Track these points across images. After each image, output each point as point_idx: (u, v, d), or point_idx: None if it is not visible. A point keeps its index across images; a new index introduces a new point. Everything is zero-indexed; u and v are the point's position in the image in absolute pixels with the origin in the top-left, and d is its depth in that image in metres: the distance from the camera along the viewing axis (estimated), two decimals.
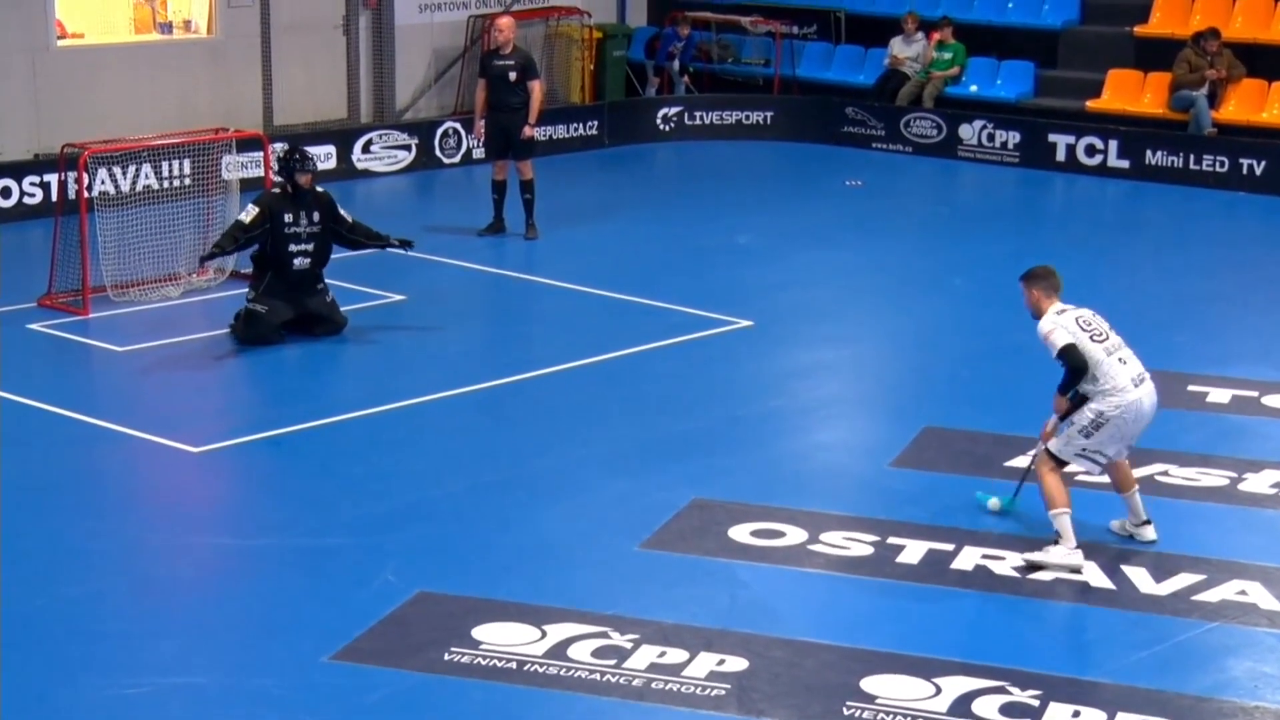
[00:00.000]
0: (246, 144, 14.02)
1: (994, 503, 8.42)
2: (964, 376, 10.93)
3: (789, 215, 15.72)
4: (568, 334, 11.74)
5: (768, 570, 7.78)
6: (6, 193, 14.66)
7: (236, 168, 13.19)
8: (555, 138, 18.56)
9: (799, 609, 7.43)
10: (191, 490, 8.89)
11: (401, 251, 11.66)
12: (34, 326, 11.46)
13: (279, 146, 11.18)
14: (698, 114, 19.57)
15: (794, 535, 8.13)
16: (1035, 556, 7.71)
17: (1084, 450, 7.73)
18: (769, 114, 19.59)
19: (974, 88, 19.08)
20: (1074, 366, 7.59)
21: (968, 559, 7.88)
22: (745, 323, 11.88)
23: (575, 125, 18.91)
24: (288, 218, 11.08)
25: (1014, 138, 18.15)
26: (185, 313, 11.90)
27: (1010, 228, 15.66)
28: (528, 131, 14.20)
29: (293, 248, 11.13)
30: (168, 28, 18.13)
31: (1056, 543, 7.71)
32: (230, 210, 12.68)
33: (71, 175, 12.56)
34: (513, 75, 14.13)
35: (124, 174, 14.48)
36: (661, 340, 11.51)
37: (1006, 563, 7.83)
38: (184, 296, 12.29)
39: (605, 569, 7.76)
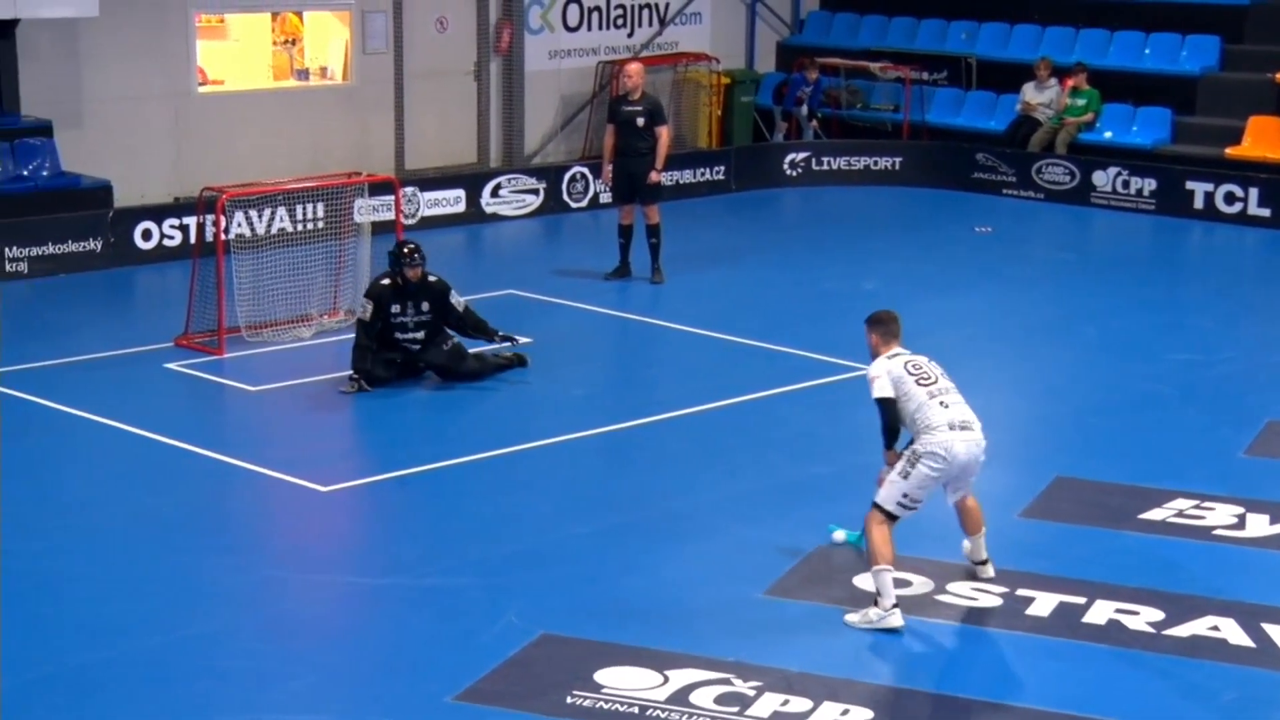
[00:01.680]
0: (379, 188, 14.25)
1: (838, 535, 8.54)
2: (1095, 426, 10.72)
3: (916, 261, 15.58)
4: (692, 378, 11.73)
5: None
6: (147, 235, 15.05)
7: (368, 211, 13.41)
8: (682, 182, 18.63)
9: (925, 660, 7.30)
10: (320, 529, 9.00)
11: (507, 346, 11.56)
12: (171, 366, 11.73)
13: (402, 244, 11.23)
14: (825, 159, 19.52)
15: (921, 584, 8.01)
16: (852, 617, 7.62)
17: (904, 498, 7.73)
18: (897, 160, 19.48)
19: (1109, 134, 18.80)
20: (885, 417, 7.80)
21: (1100, 613, 7.71)
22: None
23: (702, 170, 18.97)
24: (395, 308, 11.18)
25: (1150, 185, 17.84)
26: (316, 354, 12.10)
27: (1145, 276, 15.37)
28: (654, 176, 14.27)
29: (399, 335, 11.27)
30: (305, 74, 18.55)
31: (876, 603, 7.59)
32: (362, 253, 12.90)
33: (209, 218, 12.86)
34: (641, 120, 14.21)
35: (260, 217, 14.79)
36: (787, 385, 11.45)
37: (1141, 618, 7.64)
38: (315, 337, 12.51)
39: (729, 615, 7.71)
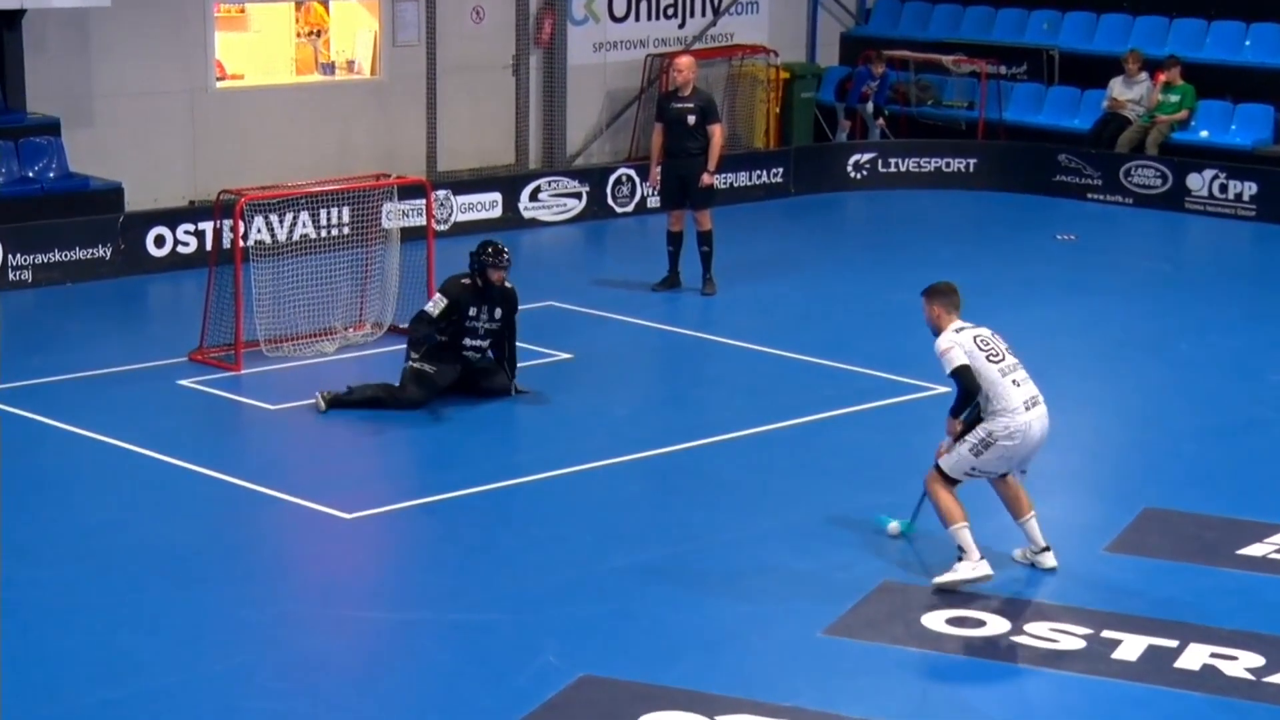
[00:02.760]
0: (409, 191, 14.34)
1: (893, 526, 8.95)
2: (1189, 453, 10.65)
3: (992, 272, 15.54)
4: (746, 398, 11.74)
5: (965, 663, 7.65)
6: (160, 241, 15.19)
7: (398, 216, 13.49)
8: (737, 185, 18.66)
9: (999, 707, 7.28)
10: (343, 559, 9.07)
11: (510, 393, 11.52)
12: (184, 382, 11.85)
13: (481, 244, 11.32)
14: (893, 160, 19.50)
15: (996, 624, 7.99)
16: (944, 578, 8.26)
17: (973, 469, 8.31)
18: (972, 161, 19.43)
19: (1204, 133, 18.70)
20: (965, 388, 8.19)
21: (1194, 657, 7.66)
22: (941, 389, 11.74)
23: (759, 172, 18.99)
24: (472, 311, 11.27)
25: (1250, 189, 17.73)
26: (341, 370, 12.18)
27: (1244, 288, 15.26)
28: (707, 179, 14.30)
29: (468, 341, 11.35)
30: (330, 68, 18.70)
31: (960, 559, 8.24)
32: (390, 261, 12.98)
33: (227, 223, 12.97)
34: (692, 118, 14.26)
35: (281, 222, 14.90)
36: (849, 406, 11.44)
37: (1239, 663, 7.58)
38: (340, 352, 12.59)
39: (784, 656, 7.71)
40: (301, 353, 12.47)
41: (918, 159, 19.49)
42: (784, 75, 20.54)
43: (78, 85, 16.41)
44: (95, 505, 9.59)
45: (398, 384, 11.20)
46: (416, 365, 11.26)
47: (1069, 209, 18.32)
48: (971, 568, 8.21)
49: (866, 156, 19.52)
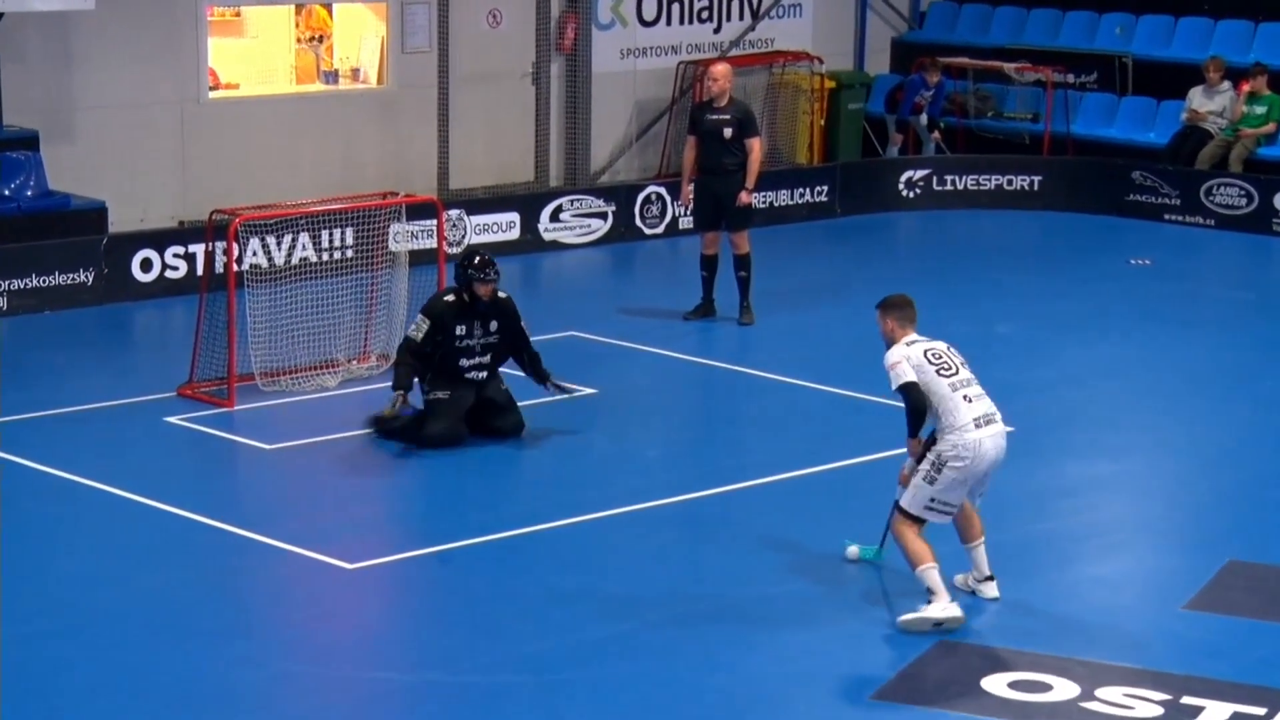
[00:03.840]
0: (418, 210, 14.41)
1: (852, 550, 9.26)
2: (1277, 500, 10.61)
3: (1059, 300, 15.52)
4: (787, 437, 11.74)
5: None
6: (147, 265, 15.29)
7: (406, 238, 13.55)
8: (777, 205, 18.69)
9: None
10: (346, 614, 9.09)
11: (558, 397, 11.69)
12: (172, 420, 11.90)
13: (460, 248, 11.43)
14: (949, 178, 19.51)
15: (1064, 689, 7.97)
16: (909, 617, 8.54)
17: (932, 501, 8.61)
18: (1037, 179, 19.43)
19: None
20: (912, 405, 8.54)
21: None
22: (1005, 428, 11.73)
23: (802, 190, 19.02)
24: (460, 329, 11.32)
25: None
26: (343, 405, 12.23)
27: None
28: (744, 198, 14.34)
29: (464, 362, 11.39)
30: (333, 77, 18.82)
31: (930, 602, 8.51)
32: (397, 287, 13.04)
33: (220, 245, 13.04)
34: (728, 131, 14.31)
35: (279, 244, 14.99)
36: (900, 448, 11.42)
37: None
38: (342, 386, 12.65)
39: None
40: (300, 387, 12.53)
41: (976, 176, 19.49)
42: (829, 84, 20.58)
43: (58, 95, 16.53)
44: (74, 555, 9.63)
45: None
46: (430, 396, 11.32)
47: (1144, 231, 18.28)
48: (941, 609, 8.48)
49: (920, 174, 19.53)
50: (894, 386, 8.63)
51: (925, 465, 8.58)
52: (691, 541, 9.93)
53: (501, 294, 11.48)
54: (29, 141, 15.85)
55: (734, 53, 20.27)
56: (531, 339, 11.72)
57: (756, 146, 14.39)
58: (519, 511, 10.27)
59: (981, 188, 19.49)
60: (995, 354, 13.67)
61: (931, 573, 8.54)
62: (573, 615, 8.78)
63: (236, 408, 12.12)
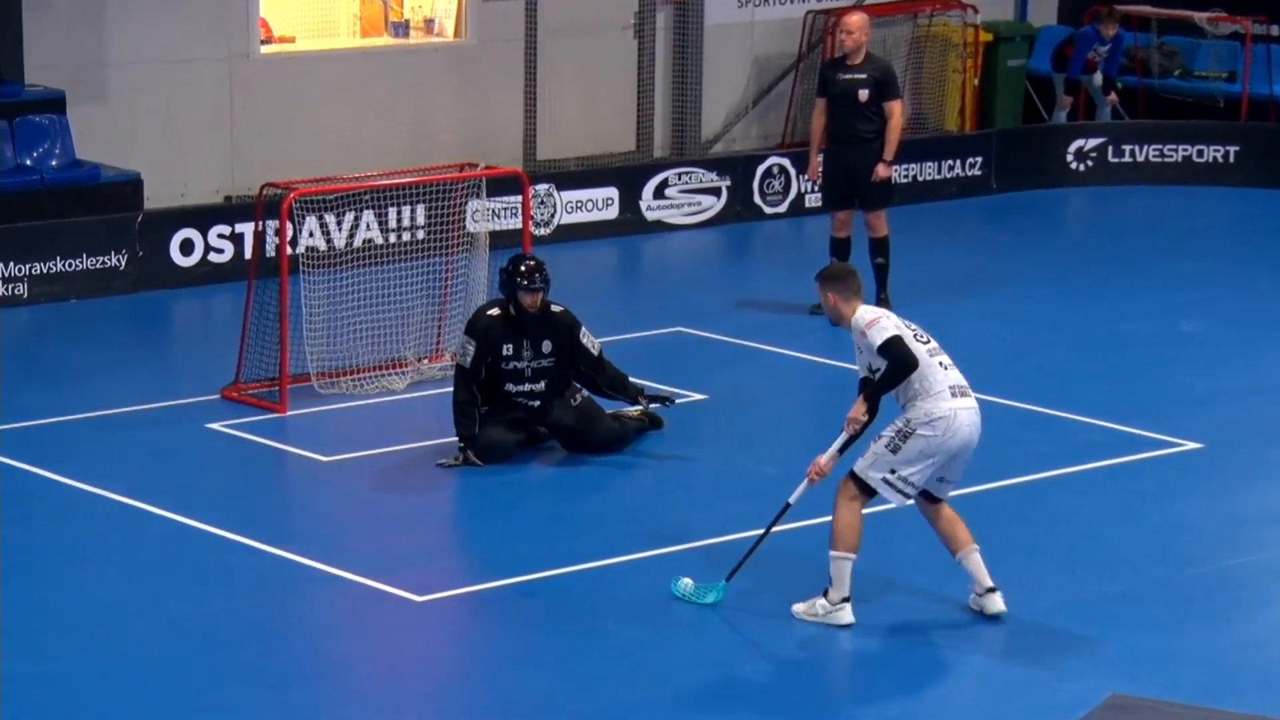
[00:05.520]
0: (501, 185, 14.46)
1: (685, 583, 9.34)
2: None
3: (1258, 293, 15.35)
4: None
5: None
6: (187, 247, 15.44)
7: (486, 217, 13.61)
8: (922, 180, 18.60)
9: None
10: (414, 655, 9.13)
11: (656, 408, 11.74)
12: (215, 426, 12.02)
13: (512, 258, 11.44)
14: (1127, 148, 19.33)
15: None
16: (799, 608, 9.03)
17: (891, 474, 8.89)
18: (1232, 149, 19.22)
19: None
20: (900, 361, 8.80)
21: None
22: (1191, 444, 11.62)
23: (951, 162, 18.92)
24: (506, 349, 11.28)
25: None
26: (412, 411, 12.31)
27: None
28: (883, 171, 14.29)
29: (512, 388, 11.33)
30: (403, 29, 18.91)
31: (826, 593, 8.98)
32: (476, 274, 13.10)
33: (272, 225, 13.15)
34: (864, 93, 14.25)
35: (339, 224, 15.10)
36: (1067, 467, 11.37)
37: None
38: (411, 389, 12.72)
39: None
40: (363, 390, 12.61)
41: (1160, 146, 19.30)
42: (985, 37, 20.46)
43: (87, 51, 16.70)
44: (100, 582, 9.72)
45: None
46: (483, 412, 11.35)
47: None
48: (828, 608, 8.99)
49: (1093, 143, 19.36)
50: (878, 343, 8.84)
51: (890, 432, 8.91)
52: (822, 574, 9.88)
53: (556, 307, 11.41)
54: (54, 104, 16.00)
55: (870, 1, 20.18)
56: (603, 352, 11.59)
57: (897, 110, 14.32)
58: (614, 537, 10.29)
59: (1166, 160, 19.30)
60: (1179, 356, 13.54)
61: (845, 565, 8.97)
62: (677, 661, 8.78)
63: (289, 413, 12.22)
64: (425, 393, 12.65)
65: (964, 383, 9.01)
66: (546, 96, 18.45)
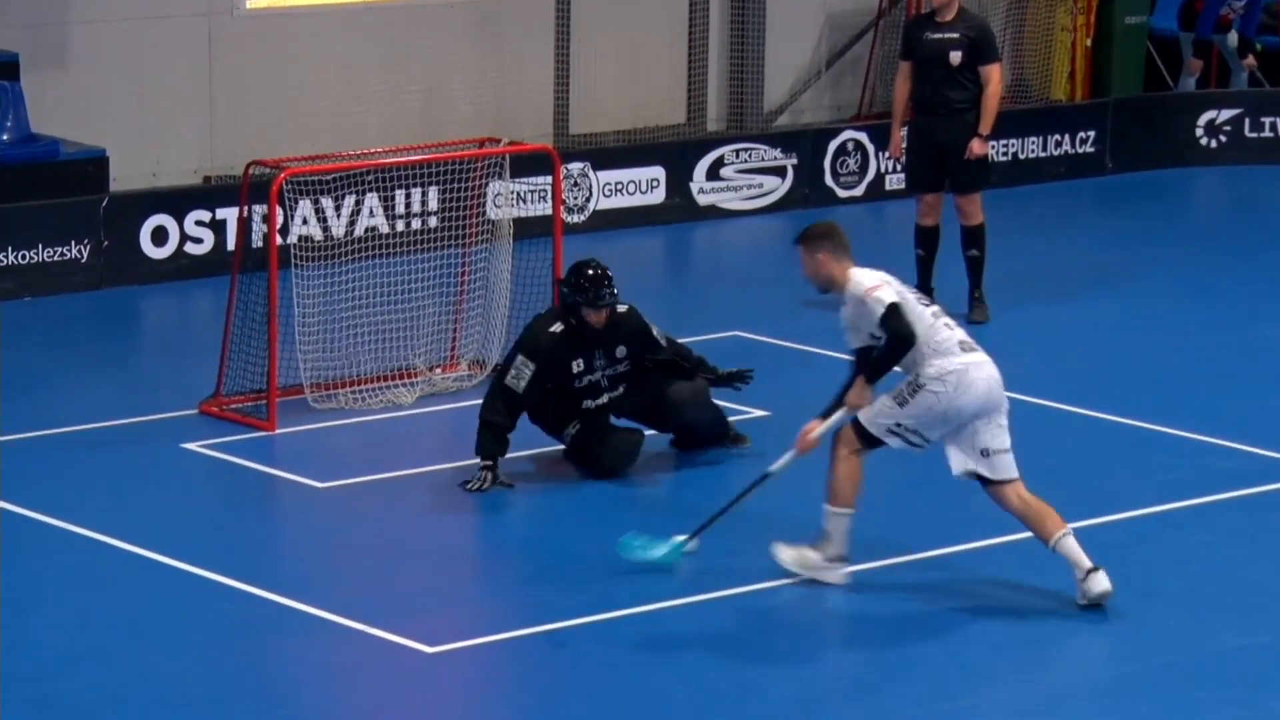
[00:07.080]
0: (527, 163, 14.48)
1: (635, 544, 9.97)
2: None
3: None
4: (1036, 480, 11.63)
5: None
6: (160, 235, 15.51)
7: (510, 201, 13.63)
8: (1024, 158, 18.59)
9: None
10: (423, 713, 9.17)
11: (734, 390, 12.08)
12: (192, 446, 12.08)
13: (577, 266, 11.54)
14: (1267, 120, 19.30)
15: None
16: (786, 554, 9.84)
17: (897, 426, 9.63)
18: None
19: None
20: (900, 334, 9.43)
21: None
22: None
23: (1059, 137, 18.91)
24: (576, 365, 11.40)
25: None
26: (422, 429, 12.35)
27: None
28: (978, 147, 14.28)
29: (590, 403, 11.52)
30: None
31: (816, 545, 9.72)
32: (497, 267, 13.11)
33: (259, 210, 13.19)
34: (956, 55, 14.26)
35: (337, 209, 15.14)
36: (1194, 498, 11.37)
37: None
38: (420, 404, 12.75)
39: None
40: (365, 404, 12.66)
41: None
42: None
43: (45, 6, 16.77)
44: (71, 628, 9.73)
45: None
46: (567, 432, 11.57)
47: None
48: (820, 564, 9.77)
49: (1226, 115, 19.34)
50: (878, 313, 9.44)
51: (900, 386, 9.59)
52: (894, 622, 9.88)
53: (620, 307, 11.52)
54: (6, 68, 16.03)
55: None
56: (671, 339, 11.81)
57: (995, 76, 14.33)
58: (656, 578, 10.29)
59: None
60: None
61: (841, 521, 9.76)
62: (726, 714, 8.79)
63: (279, 431, 12.28)
64: (437, 407, 12.69)
65: (972, 341, 9.72)
66: (581, 59, 18.47)
